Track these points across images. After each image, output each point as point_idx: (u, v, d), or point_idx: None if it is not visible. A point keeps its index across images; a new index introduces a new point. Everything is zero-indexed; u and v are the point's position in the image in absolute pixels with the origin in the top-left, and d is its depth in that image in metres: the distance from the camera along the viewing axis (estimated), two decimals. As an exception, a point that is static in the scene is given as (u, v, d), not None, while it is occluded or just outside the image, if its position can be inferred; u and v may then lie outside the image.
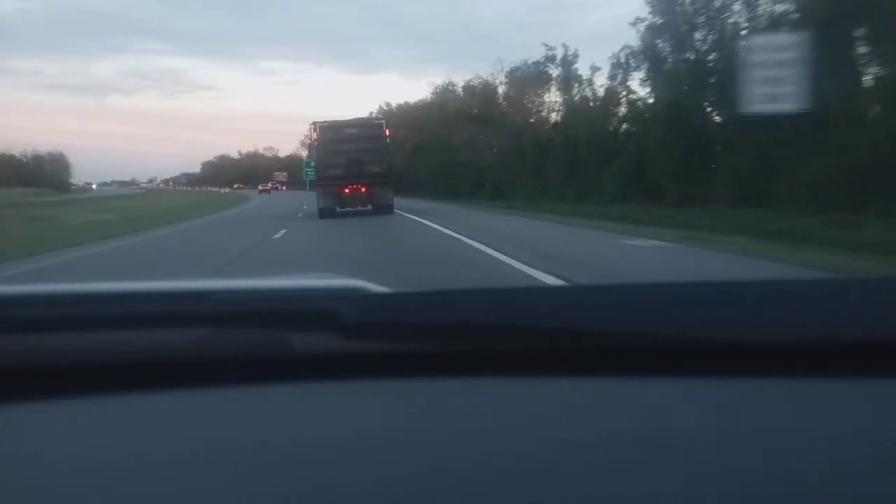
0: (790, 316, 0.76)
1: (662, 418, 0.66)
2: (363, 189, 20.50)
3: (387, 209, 20.14)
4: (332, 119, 21.51)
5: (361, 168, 20.32)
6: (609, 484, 0.55)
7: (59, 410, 0.72)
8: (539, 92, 34.85)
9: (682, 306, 0.79)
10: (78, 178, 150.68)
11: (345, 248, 11.38)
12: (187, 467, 0.60)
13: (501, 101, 38.75)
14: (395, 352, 0.78)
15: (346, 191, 20.46)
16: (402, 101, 58.57)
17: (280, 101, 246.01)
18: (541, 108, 35.46)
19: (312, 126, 21.69)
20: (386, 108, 59.71)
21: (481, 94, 40.32)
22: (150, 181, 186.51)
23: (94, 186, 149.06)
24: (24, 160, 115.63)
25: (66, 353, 0.77)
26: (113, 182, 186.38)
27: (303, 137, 79.41)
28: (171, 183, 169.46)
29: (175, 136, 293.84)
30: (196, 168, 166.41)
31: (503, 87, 38.67)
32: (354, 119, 22.11)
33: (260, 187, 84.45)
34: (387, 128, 21.93)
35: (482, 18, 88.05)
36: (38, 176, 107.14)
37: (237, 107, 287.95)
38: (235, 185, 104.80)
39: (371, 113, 58.52)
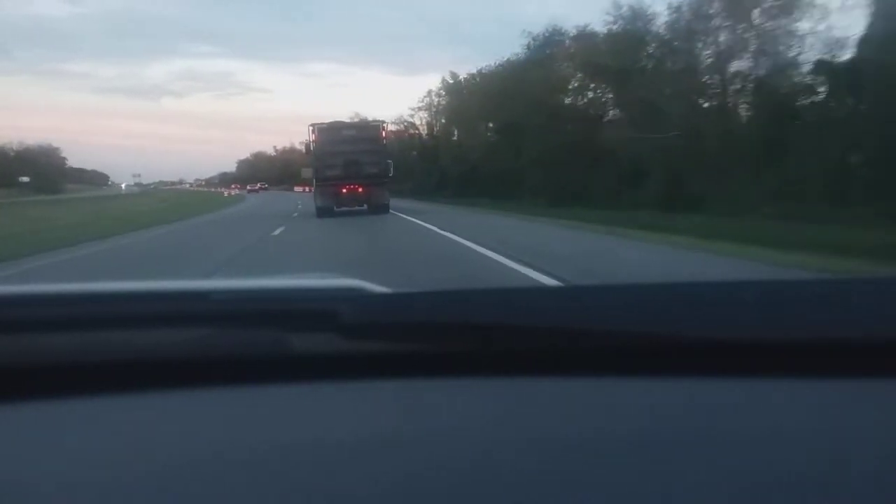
0: (790, 316, 0.83)
1: (662, 418, 0.74)
2: (360, 189, 23.30)
3: (383, 209, 23.17)
4: (332, 121, 25.28)
5: (359, 169, 23.11)
6: (609, 484, 0.62)
7: (59, 410, 0.79)
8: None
9: (682, 306, 0.87)
10: (127, 178, 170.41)
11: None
12: (187, 467, 0.67)
13: (655, 46, 25.23)
14: (394, 352, 0.86)
15: (344, 190, 23.29)
16: (475, 69, 42.87)
17: (325, 103, 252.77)
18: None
19: (311, 128, 23.96)
20: (451, 82, 51.27)
21: (619, 39, 26.37)
22: (196, 182, 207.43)
23: (122, 186, 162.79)
24: (12, 154, 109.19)
25: (66, 353, 0.85)
26: (160, 182, 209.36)
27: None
28: (203, 183, 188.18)
29: (222, 136, 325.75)
30: (233, 167, 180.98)
31: (667, 19, 25.06)
32: (352, 121, 26.01)
33: (249, 187, 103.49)
34: (384, 129, 25.20)
35: (529, 17, 77.89)
36: (26, 172, 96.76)
37: (283, 108, 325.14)
38: (233, 186, 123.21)
39: (429, 91, 54.50)
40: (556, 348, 0.84)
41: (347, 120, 25.85)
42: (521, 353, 0.84)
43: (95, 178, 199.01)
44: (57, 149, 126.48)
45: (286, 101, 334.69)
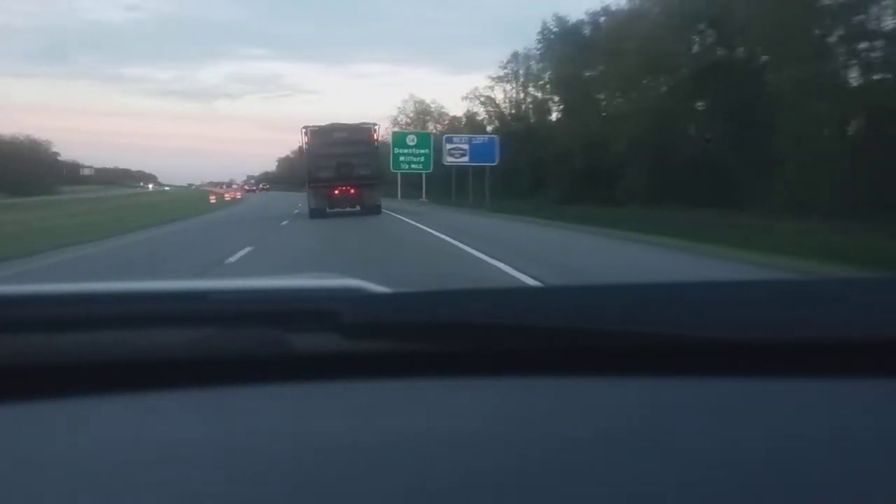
0: (791, 316, 0.83)
1: (661, 418, 0.75)
2: (352, 190, 24.13)
3: (375, 210, 24.12)
4: (324, 123, 26.11)
5: (351, 170, 23.91)
6: (608, 483, 0.63)
7: (59, 410, 0.81)
8: None
9: (683, 306, 0.87)
10: (179, 179, 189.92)
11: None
12: (187, 467, 0.68)
13: None
14: (395, 352, 0.87)
15: (336, 192, 24.09)
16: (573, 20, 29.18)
17: (374, 104, 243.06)
18: None
19: (303, 130, 25.11)
20: (556, 30, 35.83)
21: None
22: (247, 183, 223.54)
23: (150, 187, 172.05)
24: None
25: (66, 353, 0.86)
26: (209, 183, 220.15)
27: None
28: (242, 184, 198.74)
29: (271, 137, 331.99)
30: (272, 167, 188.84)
31: None
32: (345, 123, 25.92)
33: (245, 188, 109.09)
34: (375, 131, 26.37)
35: (580, 15, 64.32)
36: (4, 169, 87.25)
37: (332, 108, 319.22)
38: (244, 186, 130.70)
39: (515, 54, 41.79)
40: (556, 348, 0.84)
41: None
42: (521, 352, 0.85)
43: (141, 178, 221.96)
44: (45, 142, 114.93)
45: (335, 101, 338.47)
